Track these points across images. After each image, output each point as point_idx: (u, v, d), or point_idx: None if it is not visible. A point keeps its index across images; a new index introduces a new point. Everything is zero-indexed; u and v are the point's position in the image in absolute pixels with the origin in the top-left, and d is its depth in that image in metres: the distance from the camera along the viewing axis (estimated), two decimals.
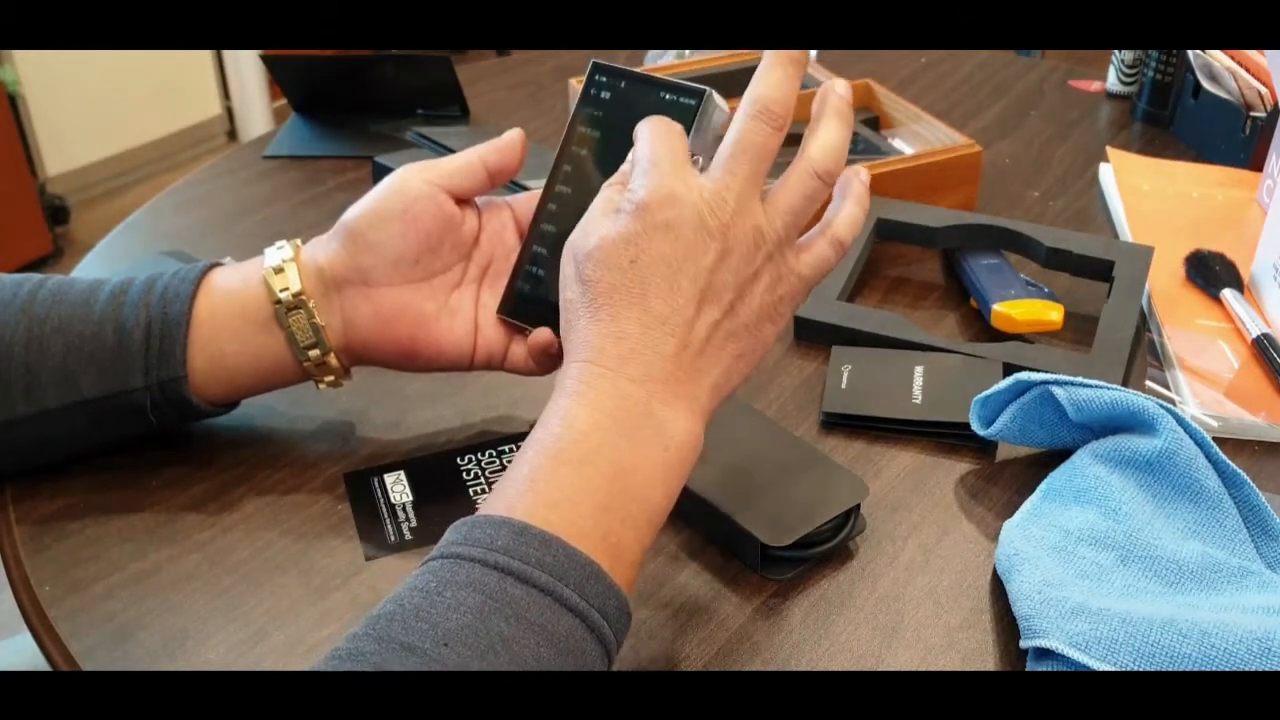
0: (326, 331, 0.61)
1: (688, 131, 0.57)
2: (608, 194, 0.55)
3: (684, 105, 0.58)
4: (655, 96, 0.59)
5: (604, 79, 0.61)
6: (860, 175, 0.58)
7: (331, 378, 0.63)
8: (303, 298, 0.60)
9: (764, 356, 0.55)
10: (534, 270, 0.63)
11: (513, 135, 0.63)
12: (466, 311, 0.63)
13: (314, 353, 0.61)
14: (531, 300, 0.62)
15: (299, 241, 0.63)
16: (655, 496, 0.49)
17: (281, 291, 0.60)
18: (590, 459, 0.48)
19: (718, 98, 0.58)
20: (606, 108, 0.61)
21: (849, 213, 0.56)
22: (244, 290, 0.61)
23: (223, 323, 0.61)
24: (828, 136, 0.54)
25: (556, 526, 0.46)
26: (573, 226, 0.56)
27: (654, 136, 0.54)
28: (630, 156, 0.55)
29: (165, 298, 0.61)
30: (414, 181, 0.61)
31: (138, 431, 0.63)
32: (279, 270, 0.61)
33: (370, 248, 0.61)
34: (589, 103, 0.61)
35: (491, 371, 0.64)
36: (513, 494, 0.48)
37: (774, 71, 0.54)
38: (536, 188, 0.64)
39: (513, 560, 0.45)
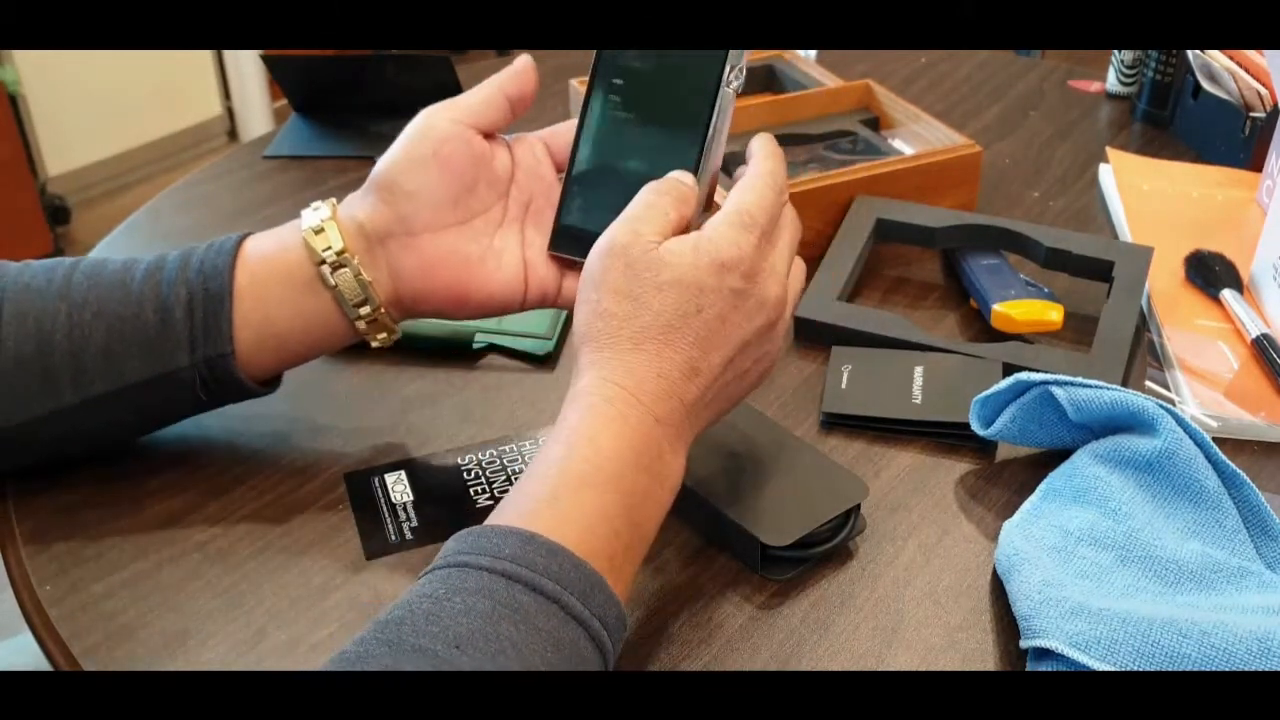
0: (374, 286, 0.60)
1: (717, 83, 0.58)
2: (668, 192, 0.55)
3: (712, 56, 0.58)
4: (678, 57, 0.59)
5: (612, 56, 0.60)
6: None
7: (384, 334, 0.62)
8: (346, 255, 0.59)
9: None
10: (579, 199, 0.61)
11: (524, 60, 0.63)
12: (513, 251, 0.62)
13: (365, 309, 0.60)
14: (580, 231, 0.61)
15: (334, 201, 0.61)
16: (650, 529, 0.51)
17: (324, 251, 0.59)
18: (610, 485, 0.49)
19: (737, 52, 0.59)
20: (632, 59, 0.60)
21: (799, 268, 0.59)
22: (283, 254, 0.60)
23: (265, 290, 0.60)
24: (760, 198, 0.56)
25: (569, 541, 0.47)
26: (615, 151, 0.57)
27: (765, 176, 0.56)
28: (738, 177, 0.57)
29: (204, 272, 0.59)
30: (440, 122, 0.60)
31: (183, 413, 0.63)
32: (319, 231, 0.59)
33: (407, 196, 0.59)
34: (611, 57, 0.61)
35: (491, 372, 0.64)
36: (529, 507, 0.48)
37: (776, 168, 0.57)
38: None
39: (520, 568, 0.45)
